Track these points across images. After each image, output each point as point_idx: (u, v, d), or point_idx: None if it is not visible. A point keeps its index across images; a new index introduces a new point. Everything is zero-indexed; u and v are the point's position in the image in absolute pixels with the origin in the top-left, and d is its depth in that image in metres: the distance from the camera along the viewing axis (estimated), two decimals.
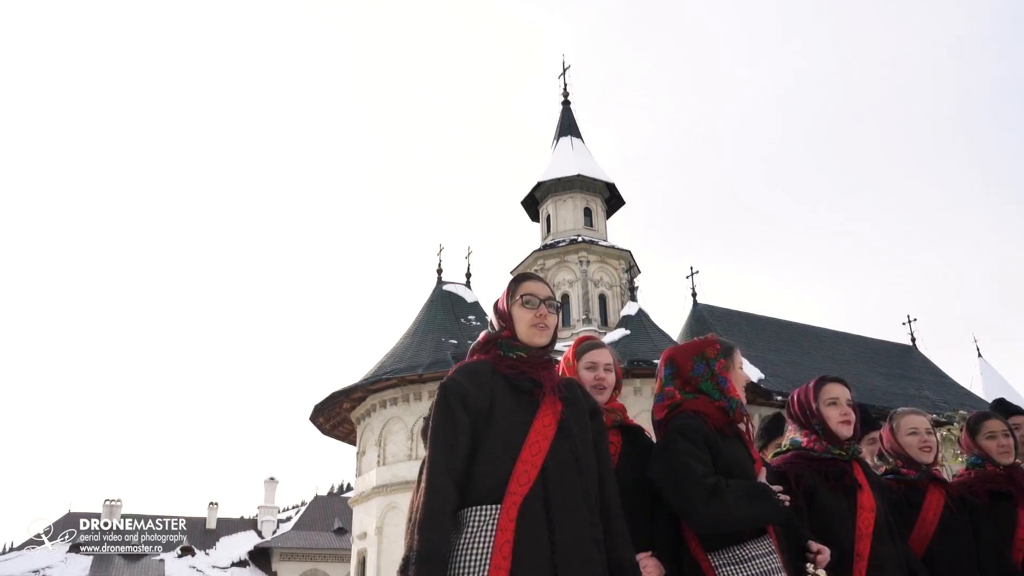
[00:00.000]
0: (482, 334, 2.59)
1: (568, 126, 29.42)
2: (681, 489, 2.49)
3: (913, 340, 34.51)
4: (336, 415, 23.25)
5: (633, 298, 24.73)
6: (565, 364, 2.91)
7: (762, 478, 2.66)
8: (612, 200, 28.51)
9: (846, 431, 3.03)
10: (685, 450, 2.55)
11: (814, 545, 2.63)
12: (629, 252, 26.26)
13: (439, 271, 24.85)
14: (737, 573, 2.43)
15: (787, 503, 2.57)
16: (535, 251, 26.36)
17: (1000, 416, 3.76)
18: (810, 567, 2.58)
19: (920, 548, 3.17)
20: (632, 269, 26.05)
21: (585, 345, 2.95)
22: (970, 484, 3.52)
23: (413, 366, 20.70)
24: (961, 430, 3.86)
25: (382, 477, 20.78)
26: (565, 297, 25.38)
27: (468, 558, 2.09)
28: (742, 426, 2.75)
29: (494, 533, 2.10)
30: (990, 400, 28.96)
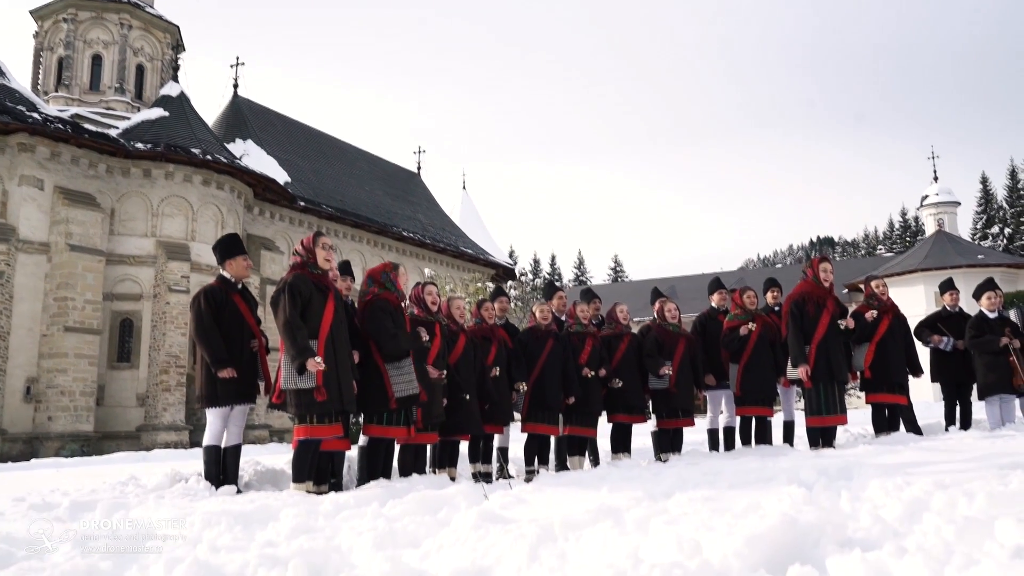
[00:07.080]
0: (295, 258, 5.43)
1: None
2: (380, 333, 5.63)
3: (419, 168, 39.68)
4: None
5: (175, 78, 24.05)
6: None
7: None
8: None
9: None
10: (382, 317, 5.68)
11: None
12: (178, 27, 25.05)
13: None
14: (393, 373, 5.59)
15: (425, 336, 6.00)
16: None
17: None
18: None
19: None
20: (178, 47, 25.03)
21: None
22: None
23: None
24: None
25: None
26: (97, 58, 23.50)
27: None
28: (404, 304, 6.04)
29: (316, 350, 5.10)
30: (464, 224, 35.81)
